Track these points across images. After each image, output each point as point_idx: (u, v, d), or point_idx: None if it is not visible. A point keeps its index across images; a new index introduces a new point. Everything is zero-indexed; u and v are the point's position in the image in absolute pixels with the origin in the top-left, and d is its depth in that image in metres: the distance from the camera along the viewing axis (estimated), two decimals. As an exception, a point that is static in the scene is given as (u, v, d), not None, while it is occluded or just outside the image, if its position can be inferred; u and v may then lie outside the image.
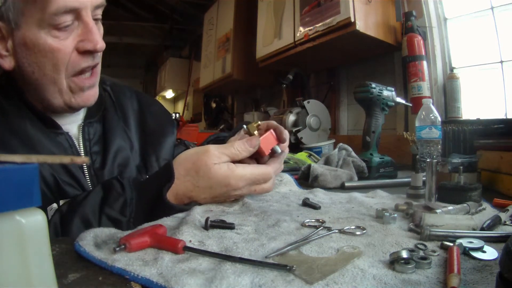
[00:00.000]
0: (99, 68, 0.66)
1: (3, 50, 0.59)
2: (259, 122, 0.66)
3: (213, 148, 0.57)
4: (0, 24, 0.56)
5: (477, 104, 1.54)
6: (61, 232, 0.52)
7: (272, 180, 0.63)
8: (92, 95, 0.66)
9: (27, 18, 0.55)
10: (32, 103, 0.64)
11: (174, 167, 0.57)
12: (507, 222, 0.51)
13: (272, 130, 0.65)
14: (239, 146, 0.59)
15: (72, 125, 0.69)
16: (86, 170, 0.67)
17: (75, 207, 0.54)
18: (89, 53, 0.61)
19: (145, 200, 0.56)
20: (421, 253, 0.37)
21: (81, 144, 0.69)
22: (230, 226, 0.47)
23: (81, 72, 0.62)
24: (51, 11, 0.54)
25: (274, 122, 0.67)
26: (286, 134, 0.67)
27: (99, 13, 0.63)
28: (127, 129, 0.77)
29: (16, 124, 0.61)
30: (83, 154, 0.68)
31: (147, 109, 0.85)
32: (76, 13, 0.57)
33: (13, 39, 0.57)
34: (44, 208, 0.55)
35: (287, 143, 0.68)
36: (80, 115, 0.72)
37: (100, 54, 0.64)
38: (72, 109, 0.66)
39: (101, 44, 0.61)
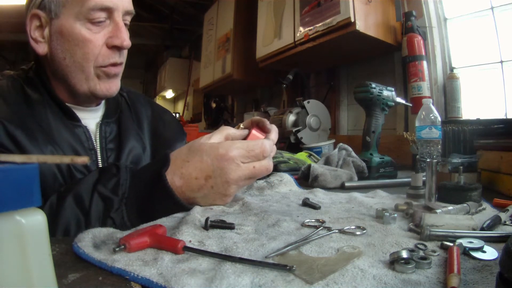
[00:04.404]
0: (123, 65, 0.73)
1: (39, 36, 0.66)
2: (241, 125, 0.66)
3: (206, 136, 0.60)
4: (41, 13, 0.65)
5: (477, 104, 1.54)
6: (55, 209, 0.52)
7: (270, 157, 0.60)
8: (115, 84, 0.72)
9: (67, 10, 0.64)
10: (57, 93, 0.69)
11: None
12: (507, 222, 0.51)
13: (255, 129, 0.63)
14: (231, 129, 0.62)
15: (90, 121, 0.74)
16: (100, 165, 0.72)
17: (71, 186, 0.55)
18: (117, 48, 0.68)
19: (140, 183, 0.55)
20: (421, 253, 0.37)
21: (98, 140, 0.73)
22: (230, 226, 0.47)
23: (108, 66, 0.68)
24: (89, 6, 0.63)
25: (256, 117, 0.67)
26: (271, 125, 0.65)
27: (128, 19, 0.71)
28: (141, 132, 0.83)
29: (38, 111, 0.66)
30: (98, 149, 0.73)
31: (159, 117, 0.91)
32: (109, 12, 0.66)
33: (50, 27, 0.65)
34: (55, 190, 0.56)
35: (274, 135, 0.64)
36: (99, 113, 0.77)
37: (125, 55, 0.72)
38: (95, 97, 0.71)
39: (127, 42, 0.68)
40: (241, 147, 0.56)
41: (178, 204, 0.54)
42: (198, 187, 0.56)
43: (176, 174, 0.55)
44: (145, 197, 0.54)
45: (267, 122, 0.65)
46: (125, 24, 0.70)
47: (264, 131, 0.64)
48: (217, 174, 0.55)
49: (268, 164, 0.59)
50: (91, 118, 0.75)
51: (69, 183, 0.60)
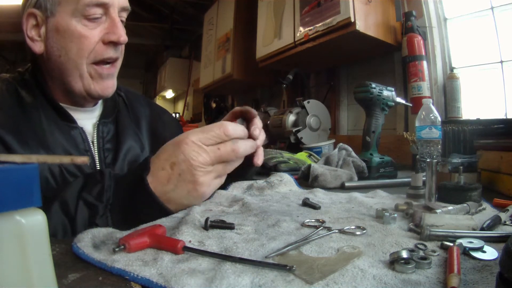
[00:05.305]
0: (119, 62, 0.72)
1: (36, 35, 0.67)
2: None
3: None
4: (37, 12, 0.65)
5: (477, 104, 1.54)
6: None
7: (236, 140, 0.56)
8: (110, 85, 0.71)
9: (62, 8, 0.64)
10: (53, 93, 0.69)
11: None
12: (507, 222, 0.51)
13: (235, 123, 0.58)
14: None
15: (87, 121, 0.74)
16: (98, 165, 0.71)
17: (58, 192, 0.54)
18: (113, 44, 0.68)
19: (123, 188, 0.55)
20: (421, 253, 0.37)
21: (95, 140, 0.73)
22: (230, 226, 0.47)
23: (103, 62, 0.68)
24: (85, 2, 0.63)
25: (236, 108, 0.65)
26: (251, 110, 0.62)
27: (124, 15, 0.71)
28: (139, 132, 0.82)
29: (31, 114, 0.66)
30: (96, 150, 0.72)
31: (158, 117, 0.90)
32: (105, 8, 0.66)
33: (47, 26, 0.66)
34: (47, 195, 0.55)
35: (258, 120, 0.62)
36: (96, 113, 0.76)
37: (122, 50, 0.71)
38: (91, 97, 0.70)
39: (124, 37, 0.68)
40: (199, 130, 0.55)
41: (158, 206, 0.53)
42: (166, 178, 0.53)
43: (150, 174, 0.54)
44: (128, 202, 0.54)
45: (249, 109, 0.61)
46: (122, 21, 0.70)
47: (250, 115, 0.61)
48: (180, 160, 0.53)
49: (235, 145, 0.55)
50: (88, 119, 0.74)
51: (57, 189, 0.59)
